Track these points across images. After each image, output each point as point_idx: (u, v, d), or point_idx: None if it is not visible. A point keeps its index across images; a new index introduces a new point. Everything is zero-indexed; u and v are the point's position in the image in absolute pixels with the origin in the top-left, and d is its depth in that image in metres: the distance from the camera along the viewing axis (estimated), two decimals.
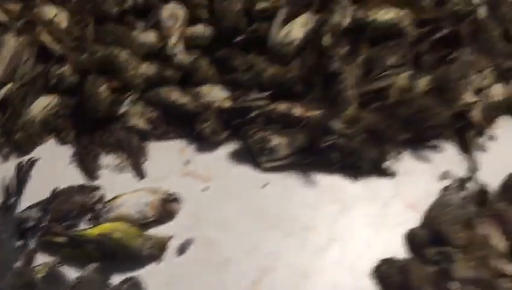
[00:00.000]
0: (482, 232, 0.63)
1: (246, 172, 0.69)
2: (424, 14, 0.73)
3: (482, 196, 0.68)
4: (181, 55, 0.68)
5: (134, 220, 0.61)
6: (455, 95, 0.72)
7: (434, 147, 0.74)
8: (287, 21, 0.69)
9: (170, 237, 0.62)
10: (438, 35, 0.71)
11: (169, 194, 0.64)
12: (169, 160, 0.69)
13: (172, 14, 0.70)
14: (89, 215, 0.62)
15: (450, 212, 0.65)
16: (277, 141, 0.67)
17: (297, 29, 0.69)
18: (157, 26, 0.70)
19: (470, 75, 0.74)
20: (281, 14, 0.69)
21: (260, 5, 0.70)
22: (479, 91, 0.76)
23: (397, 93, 0.70)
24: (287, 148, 0.68)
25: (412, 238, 0.64)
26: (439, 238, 0.63)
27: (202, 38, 0.71)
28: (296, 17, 0.69)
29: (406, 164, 0.72)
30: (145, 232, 0.62)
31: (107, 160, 0.68)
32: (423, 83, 0.72)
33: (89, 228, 0.60)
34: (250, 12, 0.71)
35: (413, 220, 0.66)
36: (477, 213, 0.65)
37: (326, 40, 0.68)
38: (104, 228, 0.59)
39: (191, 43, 0.71)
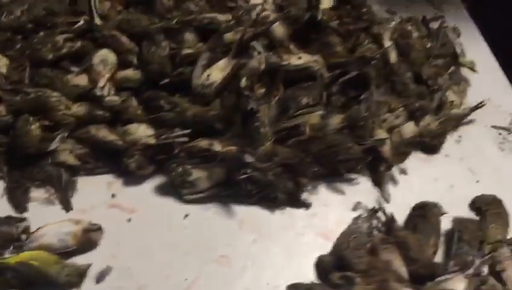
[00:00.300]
0: (385, 258, 0.68)
1: (168, 204, 0.73)
2: (334, 58, 0.80)
3: (388, 225, 0.73)
4: (109, 97, 0.74)
5: (55, 249, 0.65)
6: (366, 132, 0.78)
7: (348, 180, 0.79)
8: (208, 66, 0.76)
9: (89, 265, 0.65)
10: (347, 77, 0.78)
11: (92, 224, 0.68)
12: (96, 193, 0.73)
13: (103, 59, 0.76)
14: (13, 245, 0.66)
15: (356, 239, 0.69)
16: (197, 174, 0.72)
17: (217, 72, 0.75)
18: (89, 70, 0.76)
19: (381, 114, 0.81)
20: (203, 59, 0.76)
21: (184, 51, 0.77)
22: (392, 129, 0.83)
23: (310, 130, 0.76)
24: (207, 182, 0.73)
25: (320, 265, 0.68)
26: (343, 264, 0.67)
27: (132, 81, 0.78)
28: (216, 62, 0.76)
29: (321, 195, 0.77)
30: (66, 261, 0.66)
31: (37, 194, 0.72)
32: (336, 120, 0.78)
33: (10, 256, 0.63)
34: (175, 58, 0.78)
35: (325, 248, 0.71)
36: (382, 240, 0.70)
37: (244, 82, 0.74)
38: (24, 256, 0.62)
39: (121, 86, 0.78)
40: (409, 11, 1.08)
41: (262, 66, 0.75)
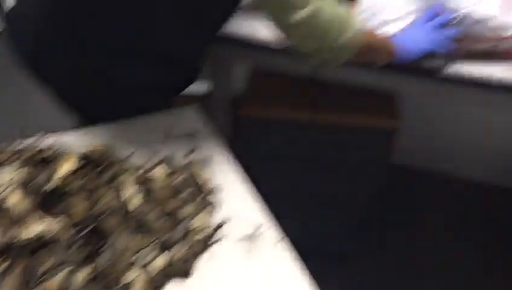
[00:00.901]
0: None
1: None
2: (75, 217, 0.89)
3: None
4: None
5: None
6: (116, 277, 0.86)
7: None
8: None
9: None
10: (84, 232, 0.86)
11: None
12: None
13: None
14: None
15: None
16: None
17: None
18: None
19: (128, 257, 0.90)
20: None
21: None
22: (145, 265, 0.92)
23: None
24: None
25: None
26: None
27: None
28: None
29: None
30: None
31: None
32: (83, 274, 0.84)
33: None
34: None
35: None
36: None
37: None
38: None
39: None
40: (168, 148, 1.23)
41: None
